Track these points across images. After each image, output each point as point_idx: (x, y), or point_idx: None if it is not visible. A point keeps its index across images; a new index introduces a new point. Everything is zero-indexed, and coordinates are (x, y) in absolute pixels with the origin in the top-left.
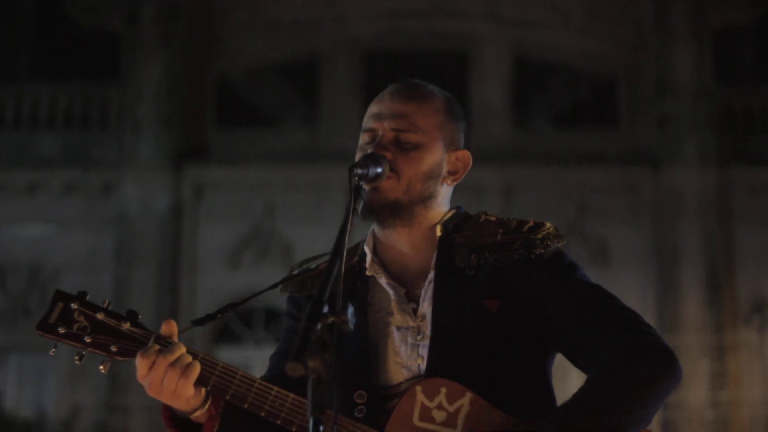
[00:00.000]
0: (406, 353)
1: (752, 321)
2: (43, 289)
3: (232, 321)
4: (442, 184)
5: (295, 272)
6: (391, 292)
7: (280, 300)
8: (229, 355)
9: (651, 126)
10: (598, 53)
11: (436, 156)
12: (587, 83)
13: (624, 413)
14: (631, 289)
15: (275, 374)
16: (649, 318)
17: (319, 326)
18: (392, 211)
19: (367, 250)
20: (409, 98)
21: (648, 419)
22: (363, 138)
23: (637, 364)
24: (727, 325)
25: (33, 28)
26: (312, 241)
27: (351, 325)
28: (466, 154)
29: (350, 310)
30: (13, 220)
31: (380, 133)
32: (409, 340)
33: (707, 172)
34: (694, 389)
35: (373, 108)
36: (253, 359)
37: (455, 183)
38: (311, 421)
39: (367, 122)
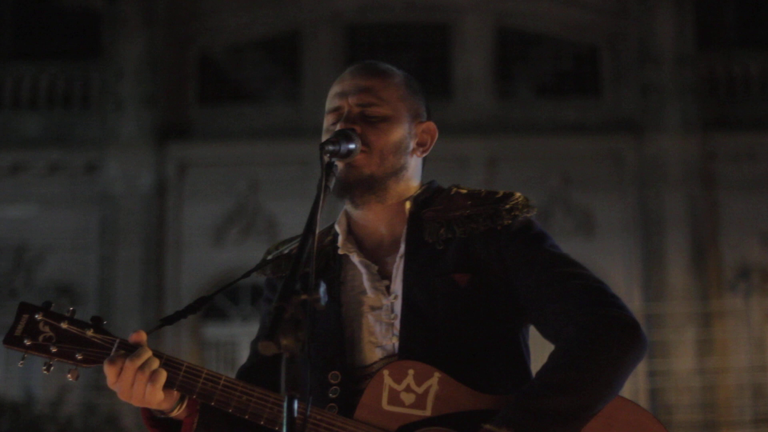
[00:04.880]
0: (381, 332)
1: (737, 287)
2: (29, 270)
3: (218, 298)
4: (412, 155)
5: (270, 257)
6: (363, 270)
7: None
8: (215, 332)
9: (634, 94)
10: (580, 22)
11: (403, 127)
12: (569, 52)
13: (589, 390)
14: (617, 257)
15: (256, 360)
16: (635, 286)
17: (291, 304)
18: (368, 187)
19: (338, 229)
20: (370, 74)
21: (613, 393)
22: (328, 119)
23: (600, 340)
24: (713, 292)
25: (14, 7)
26: (296, 217)
27: (323, 303)
28: (431, 126)
29: (322, 288)
30: None
31: (346, 109)
32: (383, 319)
33: (690, 139)
34: (681, 357)
35: (336, 88)
36: (240, 335)
37: (424, 155)
38: (286, 399)
39: (331, 102)
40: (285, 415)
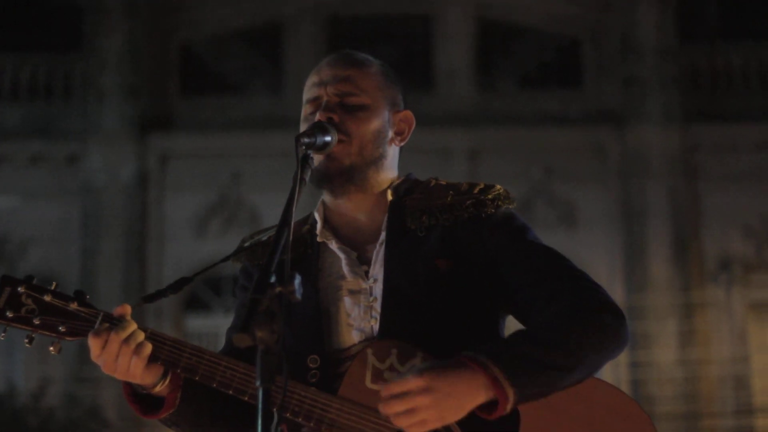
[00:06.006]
0: (359, 315)
1: (719, 279)
2: (11, 262)
3: (200, 290)
4: (390, 144)
5: (246, 245)
6: (342, 255)
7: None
8: (198, 323)
9: (616, 86)
10: (562, 14)
11: (382, 116)
12: (551, 44)
13: (569, 355)
14: (599, 249)
15: (231, 349)
16: (617, 278)
17: (266, 297)
18: (348, 177)
19: (317, 217)
20: (348, 63)
21: (591, 369)
22: (306, 109)
23: (585, 319)
24: (695, 284)
25: None
26: (278, 208)
27: (298, 295)
28: (409, 115)
29: (297, 280)
30: None
31: (324, 98)
32: (362, 302)
33: (673, 131)
34: (663, 348)
35: (313, 78)
36: (223, 327)
37: (402, 143)
38: (260, 392)
39: (309, 92)
40: (259, 407)
